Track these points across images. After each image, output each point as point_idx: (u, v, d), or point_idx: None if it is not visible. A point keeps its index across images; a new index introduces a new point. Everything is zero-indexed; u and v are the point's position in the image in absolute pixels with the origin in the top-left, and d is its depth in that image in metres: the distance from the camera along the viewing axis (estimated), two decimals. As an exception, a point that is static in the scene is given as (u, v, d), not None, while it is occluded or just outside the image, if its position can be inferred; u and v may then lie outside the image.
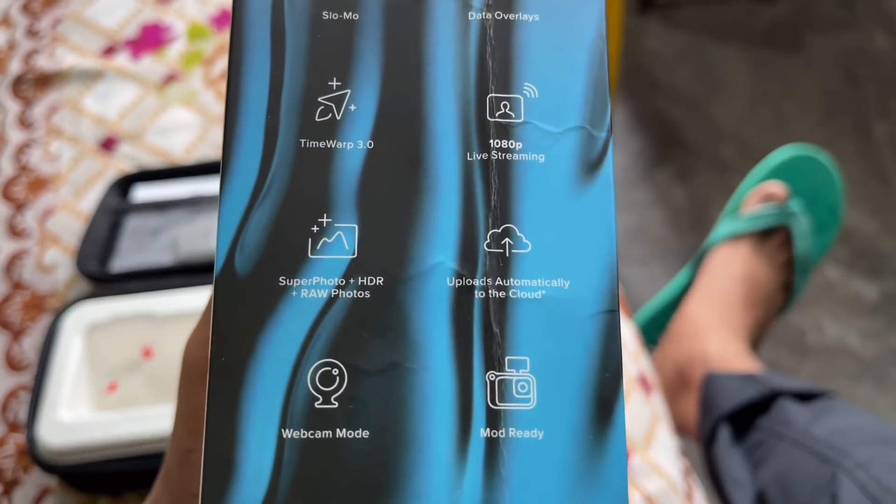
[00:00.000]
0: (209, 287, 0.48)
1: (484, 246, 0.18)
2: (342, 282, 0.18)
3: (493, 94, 0.19)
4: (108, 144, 0.59)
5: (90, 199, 0.56)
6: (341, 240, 0.18)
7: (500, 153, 0.19)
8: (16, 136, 0.59)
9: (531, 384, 0.18)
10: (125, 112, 0.60)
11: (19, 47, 0.63)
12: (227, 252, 0.18)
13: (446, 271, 0.18)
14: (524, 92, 0.19)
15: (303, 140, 0.19)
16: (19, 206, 0.56)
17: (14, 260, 0.54)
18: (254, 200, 0.18)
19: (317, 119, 0.19)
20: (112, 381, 0.46)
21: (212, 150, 0.58)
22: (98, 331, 0.46)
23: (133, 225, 0.54)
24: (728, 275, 0.71)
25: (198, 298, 0.47)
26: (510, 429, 0.18)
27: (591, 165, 0.19)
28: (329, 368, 0.18)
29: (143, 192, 0.55)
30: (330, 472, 0.17)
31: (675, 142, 1.18)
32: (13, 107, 0.60)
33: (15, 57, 0.63)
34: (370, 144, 0.19)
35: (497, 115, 0.19)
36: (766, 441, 0.54)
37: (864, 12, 1.30)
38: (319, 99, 0.19)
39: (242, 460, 0.17)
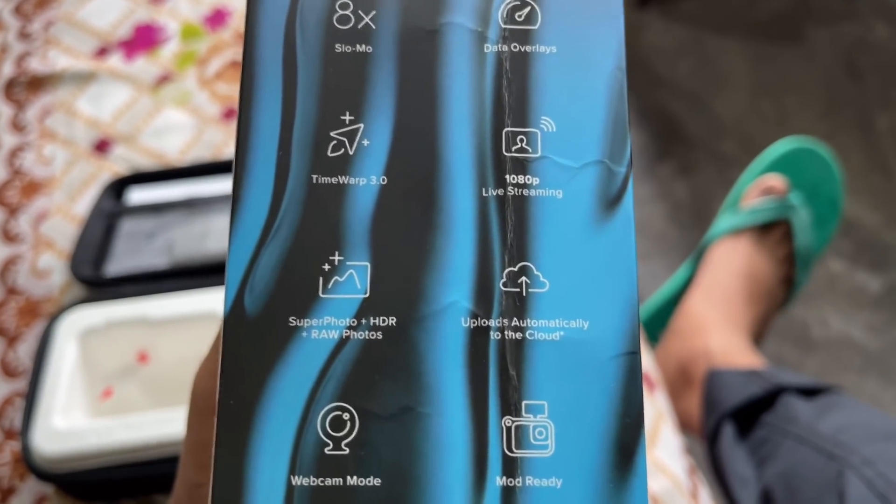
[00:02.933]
0: (205, 290, 0.47)
1: (500, 285, 0.18)
2: (354, 322, 0.18)
3: (510, 129, 0.19)
4: (101, 147, 0.58)
5: (84, 203, 0.55)
6: (353, 278, 0.18)
7: (516, 189, 0.18)
8: (9, 139, 0.59)
9: (549, 430, 0.17)
10: (119, 114, 0.59)
11: (11, 50, 0.63)
12: (237, 291, 0.18)
13: (461, 311, 0.18)
14: (541, 126, 0.19)
15: (315, 176, 0.18)
16: (13, 211, 0.56)
17: (8, 265, 0.54)
18: (265, 237, 0.18)
19: (329, 154, 0.18)
20: (107, 386, 0.46)
21: (206, 151, 0.58)
22: (92, 336, 0.46)
23: (128, 228, 0.53)
24: (729, 270, 0.71)
25: (193, 302, 0.47)
26: (527, 477, 0.17)
27: (611, 201, 0.18)
28: (340, 413, 0.17)
29: (138, 195, 0.55)
30: None
31: (676, 136, 1.18)
32: (6, 110, 0.60)
33: (7, 60, 0.62)
34: (383, 180, 0.18)
35: (513, 149, 0.19)
36: (770, 438, 0.53)
37: (865, 3, 1.29)
38: (332, 133, 0.19)
39: None
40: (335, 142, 0.18)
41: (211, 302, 0.46)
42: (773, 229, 0.72)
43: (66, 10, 0.64)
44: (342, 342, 0.17)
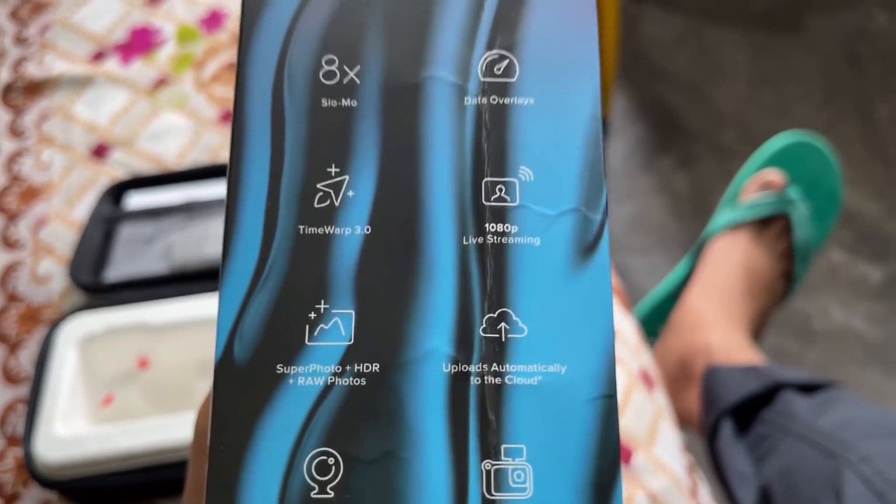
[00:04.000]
0: (204, 295, 0.47)
1: (480, 331, 0.18)
2: (338, 369, 0.18)
3: (489, 178, 0.19)
4: (99, 151, 0.58)
5: (83, 208, 0.56)
6: (338, 326, 0.18)
7: (495, 237, 0.19)
8: (7, 145, 0.59)
9: (527, 473, 0.18)
10: (116, 118, 0.59)
11: (8, 55, 0.63)
12: (227, 339, 0.18)
13: (442, 357, 0.18)
14: (519, 175, 0.19)
15: (302, 226, 0.19)
16: (12, 217, 0.56)
17: (8, 272, 0.54)
18: (253, 286, 0.19)
19: (316, 205, 0.19)
20: (108, 393, 0.46)
21: (204, 154, 0.58)
22: (92, 343, 0.46)
23: (126, 233, 0.53)
24: (728, 265, 0.71)
25: (193, 307, 0.47)
26: None
27: (587, 248, 0.19)
28: (325, 458, 0.18)
29: (136, 200, 0.55)
30: None
31: (675, 128, 1.17)
32: (3, 116, 0.60)
33: (4, 65, 0.62)
34: (367, 230, 0.19)
35: (492, 198, 0.19)
36: (769, 435, 0.53)
37: (864, -9, 1.28)
38: (319, 185, 0.19)
39: None
40: (321, 193, 0.19)
41: (210, 307, 0.46)
42: (771, 224, 0.72)
43: (61, 15, 0.64)
44: (327, 388, 0.18)
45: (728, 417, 0.57)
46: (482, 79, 0.20)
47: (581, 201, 0.19)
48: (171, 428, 0.42)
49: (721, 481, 0.57)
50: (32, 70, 0.62)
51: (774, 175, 0.73)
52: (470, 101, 0.20)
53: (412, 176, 0.19)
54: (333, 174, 0.19)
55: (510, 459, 0.18)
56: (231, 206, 0.19)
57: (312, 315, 0.18)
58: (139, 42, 0.63)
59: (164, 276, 0.50)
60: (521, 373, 0.18)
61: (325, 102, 0.20)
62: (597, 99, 0.20)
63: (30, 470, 0.42)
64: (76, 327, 0.46)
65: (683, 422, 0.66)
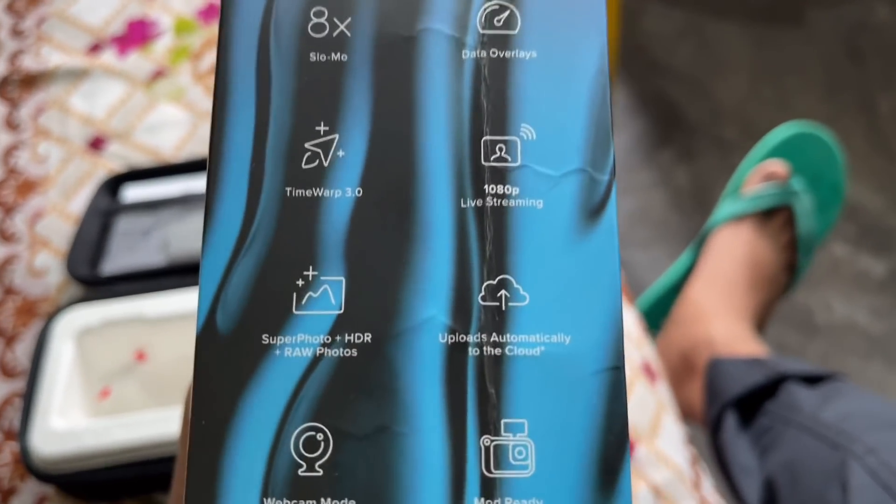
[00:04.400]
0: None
1: (479, 299, 0.17)
2: (328, 339, 0.17)
3: (488, 137, 0.18)
4: (96, 144, 0.58)
5: (80, 201, 0.55)
6: (327, 294, 0.17)
7: (495, 199, 0.18)
8: (3, 138, 0.58)
9: (529, 449, 0.17)
10: (113, 110, 0.59)
11: (4, 48, 0.62)
12: (209, 308, 0.17)
13: (438, 326, 0.17)
14: (521, 134, 0.18)
15: (289, 188, 0.18)
16: (8, 210, 0.55)
17: (4, 265, 0.53)
18: (237, 252, 0.18)
19: (303, 166, 0.18)
20: (105, 386, 0.46)
21: (202, 146, 0.57)
22: (89, 335, 0.46)
23: (123, 226, 0.53)
24: (731, 257, 0.70)
25: (191, 299, 0.46)
26: (506, 498, 0.16)
27: (593, 211, 0.18)
28: (314, 433, 0.17)
29: (134, 192, 0.54)
30: None
31: (676, 122, 1.17)
32: (0, 109, 0.60)
33: (0, 58, 0.62)
34: (359, 192, 0.18)
35: (492, 158, 0.18)
36: (773, 427, 0.53)
37: (866, -16, 1.28)
38: (306, 145, 0.18)
39: None
40: (310, 153, 0.18)
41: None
42: (775, 215, 0.72)
43: (58, 7, 0.63)
44: (316, 360, 0.17)
45: (731, 410, 0.57)
46: (481, 31, 0.19)
47: (587, 161, 0.18)
48: (169, 421, 0.42)
49: (724, 474, 0.56)
50: (29, 63, 0.61)
51: (778, 166, 0.72)
52: (468, 54, 0.19)
53: (406, 135, 0.18)
54: (322, 133, 0.18)
55: (510, 435, 0.17)
56: (213, 167, 0.18)
57: (300, 282, 0.17)
58: (136, 34, 0.62)
59: (162, 269, 0.50)
60: (522, 343, 0.17)
61: (313, 56, 0.19)
62: (604, 52, 0.19)
63: (26, 464, 0.42)
64: (73, 320, 0.46)
65: (686, 414, 0.66)
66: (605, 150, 0.18)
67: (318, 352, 0.17)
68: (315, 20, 0.19)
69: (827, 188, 0.74)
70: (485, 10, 0.19)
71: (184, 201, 0.53)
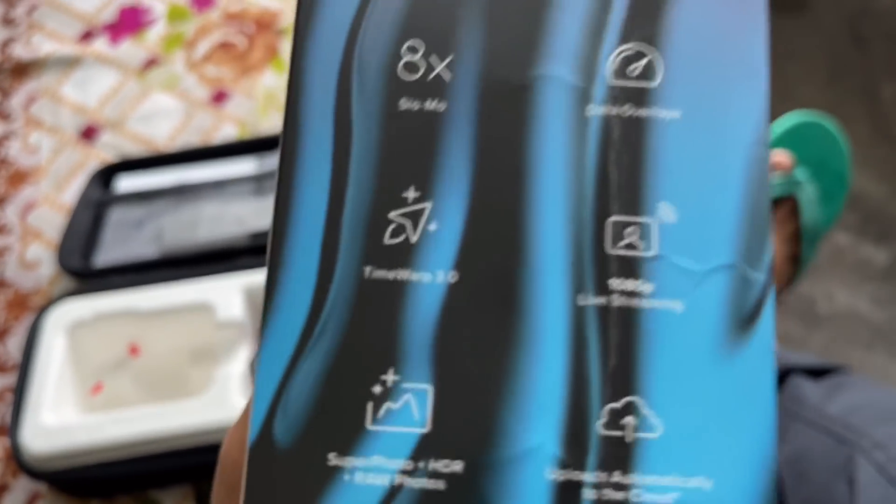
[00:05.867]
0: (196, 280, 0.46)
1: (598, 426, 0.14)
2: (409, 465, 0.14)
3: (616, 217, 0.15)
4: (88, 133, 0.57)
5: (72, 192, 0.54)
6: (410, 406, 0.14)
7: (623, 297, 0.15)
8: (-7, 128, 0.57)
9: None
10: (105, 99, 0.58)
11: (-6, 35, 0.61)
12: (266, 414, 0.14)
13: (546, 458, 0.14)
14: (658, 215, 0.15)
15: (368, 268, 0.15)
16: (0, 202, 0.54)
17: (-5, 257, 0.52)
18: (303, 346, 0.15)
19: (386, 241, 0.15)
20: (98, 381, 0.45)
21: (196, 136, 0.56)
22: (81, 329, 0.45)
23: (116, 217, 0.52)
24: (735, 247, 0.69)
25: (184, 293, 0.45)
26: None
27: (746, 319, 0.14)
28: None
29: (126, 182, 0.53)
30: None
31: (677, 110, 1.16)
32: (-10, 98, 0.58)
33: (-10, 46, 0.61)
34: (453, 277, 0.15)
35: (620, 245, 0.15)
36: (778, 420, 0.52)
37: (869, -30, 1.26)
38: (391, 215, 0.15)
39: None
40: (395, 225, 0.15)
41: (202, 292, 0.45)
42: (779, 206, 0.71)
43: (49, -7, 0.62)
44: (393, 491, 0.14)
45: (735, 403, 0.56)
46: (612, 81, 0.15)
47: (739, 254, 0.15)
48: (164, 416, 0.41)
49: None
50: (20, 51, 0.60)
51: (781, 156, 0.71)
52: (594, 110, 0.15)
53: (514, 208, 0.15)
54: (411, 200, 0.15)
55: None
56: (278, 236, 0.15)
57: (377, 389, 0.14)
58: (128, 21, 0.61)
59: (155, 261, 0.49)
60: (652, 487, 0.14)
61: (404, 104, 0.15)
62: (764, 115, 0.15)
63: (18, 461, 0.41)
64: (64, 313, 0.45)
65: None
66: (762, 242, 0.15)
67: (396, 480, 0.14)
68: (408, 57, 0.16)
69: (831, 178, 0.73)
70: (618, 54, 0.15)
71: (178, 192, 0.52)
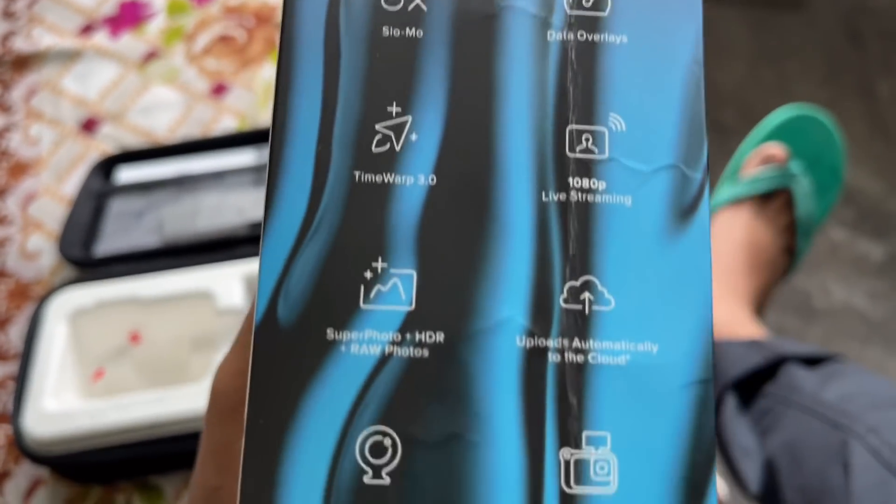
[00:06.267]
0: (196, 269, 0.46)
1: (560, 301, 0.16)
2: (397, 337, 0.16)
3: (574, 126, 0.17)
4: (89, 126, 0.57)
5: (73, 183, 0.54)
6: (397, 288, 0.16)
7: (580, 194, 0.17)
8: (-5, 120, 0.58)
9: (612, 465, 0.16)
10: (106, 92, 0.58)
11: (-5, 29, 0.61)
12: (270, 298, 0.16)
13: (516, 328, 0.16)
14: (610, 124, 0.17)
15: (357, 172, 0.17)
16: (0, 193, 0.55)
17: (-3, 247, 0.53)
18: (301, 240, 0.16)
19: (374, 150, 0.17)
20: (99, 367, 0.45)
21: (196, 128, 0.57)
22: (83, 317, 0.45)
23: (117, 207, 0.52)
24: (729, 240, 0.70)
25: (185, 281, 0.46)
26: None
27: (685, 211, 0.17)
28: (381, 438, 0.16)
29: (127, 174, 0.54)
30: None
31: (674, 107, 1.16)
32: (-9, 90, 0.59)
33: (-9, 39, 0.61)
34: (432, 180, 0.17)
35: (578, 149, 0.17)
36: (773, 408, 0.53)
37: (865, -33, 1.27)
38: (377, 126, 0.17)
39: None
40: (380, 136, 0.17)
41: (202, 280, 0.45)
42: (773, 198, 0.71)
43: (49, -13, 0.63)
44: (384, 359, 0.16)
45: (731, 392, 0.56)
46: (569, 11, 0.18)
47: (679, 157, 0.17)
48: (164, 402, 0.41)
49: (724, 456, 0.56)
50: (20, 44, 0.60)
51: (776, 149, 0.71)
52: (554, 35, 0.17)
53: (485, 120, 0.17)
54: (394, 114, 0.17)
55: (592, 449, 0.16)
56: (276, 148, 0.17)
57: (368, 274, 0.16)
58: (128, 15, 0.61)
59: (156, 250, 0.49)
60: (606, 350, 0.16)
61: (386, 31, 0.17)
62: (699, 40, 0.17)
63: (20, 446, 0.41)
64: (66, 301, 0.45)
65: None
66: (699, 146, 0.17)
67: (386, 350, 0.16)
68: None
69: (826, 171, 0.73)
70: None
71: (178, 183, 0.53)
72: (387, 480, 0.16)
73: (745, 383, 0.57)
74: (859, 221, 1.06)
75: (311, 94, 0.17)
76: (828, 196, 0.73)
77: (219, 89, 0.58)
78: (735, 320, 0.65)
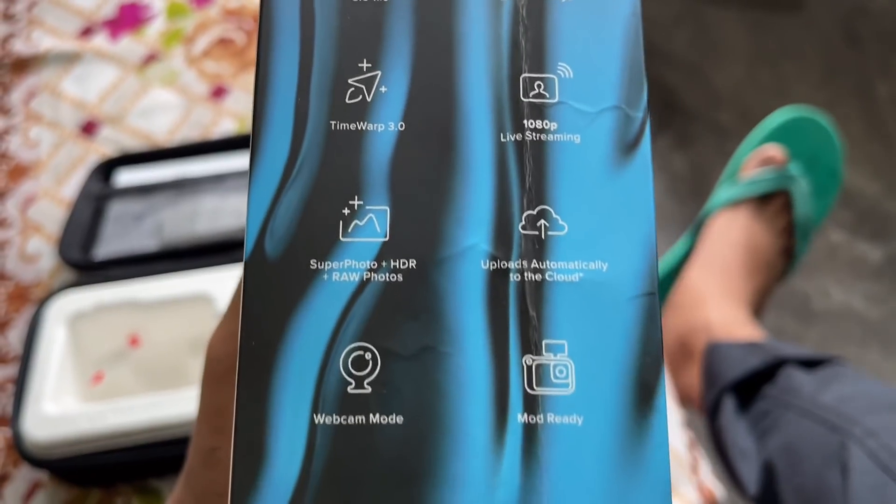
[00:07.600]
0: (195, 272, 0.46)
1: (519, 228, 0.18)
2: (374, 265, 0.18)
3: (527, 74, 0.19)
4: (88, 128, 0.57)
5: (72, 186, 0.54)
6: (373, 222, 0.18)
7: (534, 134, 0.19)
8: (-6, 123, 0.58)
9: (569, 369, 0.18)
10: (105, 94, 0.58)
11: (-6, 32, 0.61)
12: (258, 235, 0.18)
13: (480, 254, 0.18)
14: (558, 72, 0.19)
15: (333, 122, 0.19)
16: (0, 196, 0.55)
17: (-4, 250, 0.53)
18: (284, 183, 0.18)
19: (347, 101, 0.19)
20: (98, 371, 0.45)
21: (195, 131, 0.57)
22: (82, 320, 0.45)
23: (116, 210, 0.52)
24: (728, 241, 0.70)
25: (184, 284, 0.46)
26: (548, 414, 0.17)
27: (628, 146, 0.19)
28: (362, 352, 0.18)
29: (126, 177, 0.54)
30: (363, 458, 0.17)
31: (673, 108, 1.16)
32: (-10, 93, 0.59)
33: (-10, 42, 0.61)
34: (401, 126, 0.19)
35: (531, 95, 0.19)
36: (772, 410, 0.53)
37: (864, -31, 1.27)
38: (350, 81, 0.19)
39: (273, 446, 0.17)
40: (353, 89, 0.19)
41: (202, 283, 0.46)
42: (772, 200, 0.71)
43: (48, -10, 0.63)
44: (363, 284, 0.18)
45: (730, 394, 0.56)
46: None
47: (622, 99, 0.19)
48: (163, 405, 0.41)
49: (723, 458, 0.56)
50: (20, 47, 0.60)
51: (775, 150, 0.72)
52: None
53: (447, 72, 0.19)
54: (365, 69, 0.19)
55: (551, 355, 0.18)
56: (259, 101, 0.19)
57: (346, 211, 0.18)
58: (128, 17, 0.61)
59: (155, 253, 0.49)
60: (561, 269, 0.18)
61: None
62: None
63: (19, 449, 0.41)
64: (65, 305, 0.45)
65: (684, 400, 0.66)
66: (639, 89, 0.19)
67: (364, 276, 0.18)
68: None
69: (824, 172, 0.73)
70: None
71: (177, 186, 0.53)
72: (368, 389, 0.17)
73: (743, 385, 0.57)
74: (858, 223, 1.06)
75: (290, 55, 0.19)
76: (826, 198, 0.73)
77: (218, 92, 0.58)
78: (733, 322, 0.65)
